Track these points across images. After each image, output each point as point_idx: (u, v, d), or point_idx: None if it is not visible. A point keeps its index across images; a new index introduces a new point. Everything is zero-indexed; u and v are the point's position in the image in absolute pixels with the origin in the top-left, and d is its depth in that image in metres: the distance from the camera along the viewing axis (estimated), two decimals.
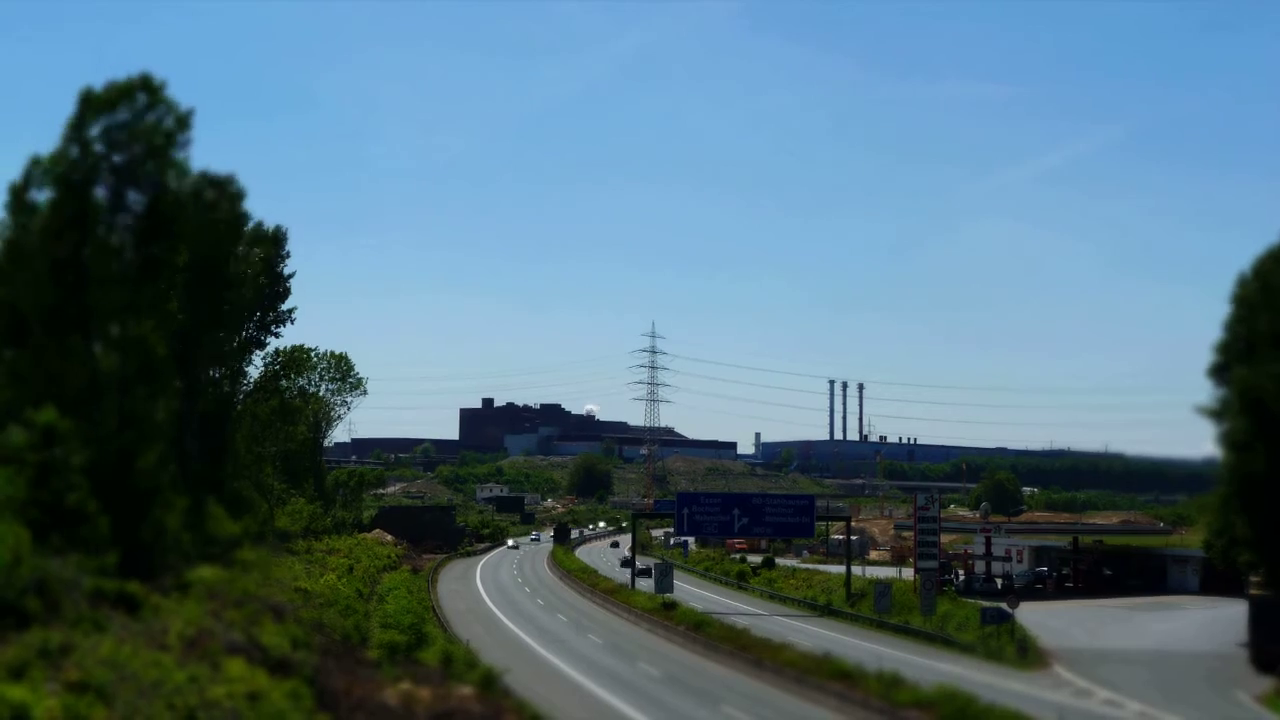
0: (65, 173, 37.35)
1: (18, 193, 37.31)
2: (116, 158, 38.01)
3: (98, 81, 38.78)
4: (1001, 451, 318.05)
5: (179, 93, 39.79)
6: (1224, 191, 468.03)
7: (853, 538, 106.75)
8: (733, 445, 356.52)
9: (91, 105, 37.54)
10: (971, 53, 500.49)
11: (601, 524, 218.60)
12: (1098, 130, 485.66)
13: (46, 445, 32.35)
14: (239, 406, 71.79)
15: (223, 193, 55.91)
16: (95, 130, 37.73)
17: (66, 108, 37.81)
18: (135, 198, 38.52)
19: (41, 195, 37.37)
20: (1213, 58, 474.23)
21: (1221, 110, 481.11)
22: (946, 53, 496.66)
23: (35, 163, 37.31)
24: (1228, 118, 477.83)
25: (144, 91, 38.14)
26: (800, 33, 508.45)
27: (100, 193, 38.02)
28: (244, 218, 60.35)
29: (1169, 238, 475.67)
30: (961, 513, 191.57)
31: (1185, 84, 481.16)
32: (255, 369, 76.61)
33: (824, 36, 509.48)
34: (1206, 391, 55.84)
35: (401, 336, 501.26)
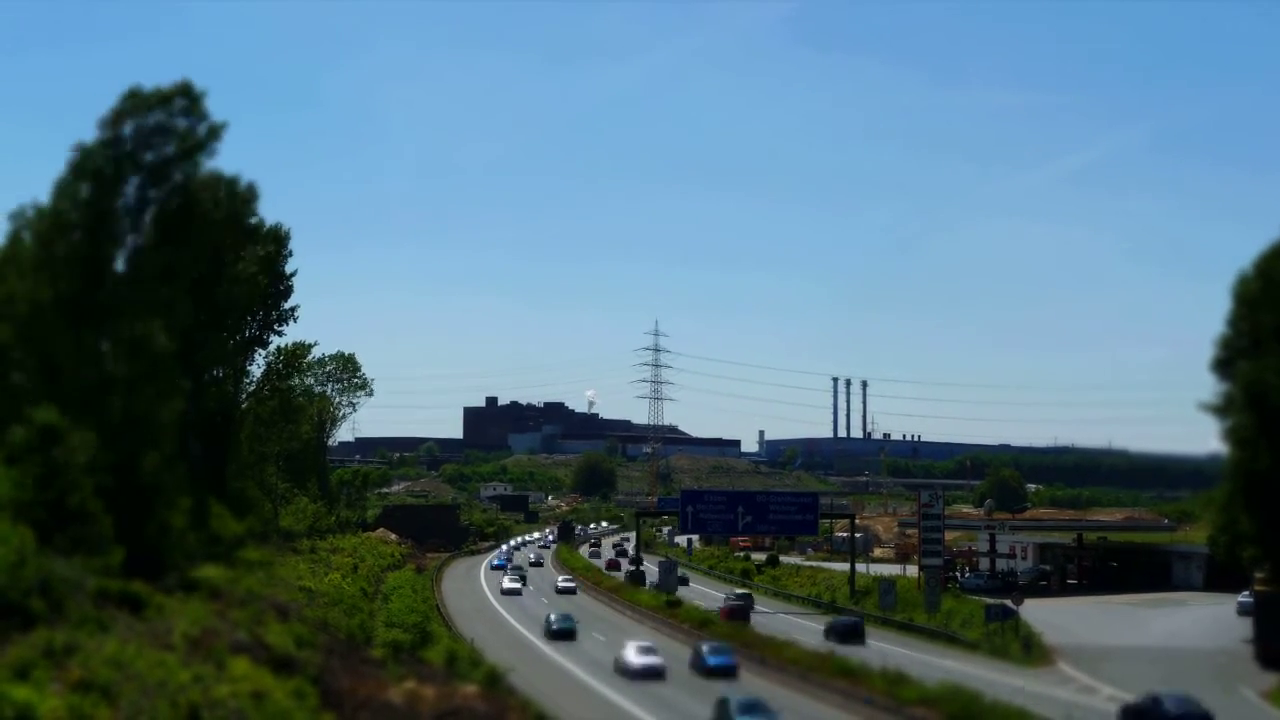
0: (98, 168, 37.72)
1: (66, 184, 37.58)
2: (147, 157, 38.49)
3: (100, 85, 39.39)
4: (1005, 448, 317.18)
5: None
6: (1248, 188, 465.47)
7: (857, 535, 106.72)
8: (736, 443, 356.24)
9: (134, 104, 37.99)
10: (995, 58, 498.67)
11: (602, 523, 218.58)
12: (1121, 131, 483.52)
13: (46, 444, 32.39)
14: (242, 406, 71.82)
15: (235, 194, 56.26)
16: (127, 130, 38.21)
17: (68, 109, 38.22)
18: (156, 199, 38.93)
19: (85, 189, 37.69)
20: (1236, 56, 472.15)
21: (1245, 108, 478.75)
22: (971, 58, 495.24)
23: (79, 150, 37.60)
24: (1251, 116, 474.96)
25: (184, 98, 38.75)
26: (827, 39, 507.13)
27: (127, 191, 38.46)
28: (254, 219, 60.71)
29: (1189, 234, 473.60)
30: (965, 510, 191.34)
31: (1210, 82, 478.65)
32: (258, 368, 76.63)
33: (850, 42, 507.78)
34: (1211, 387, 55.85)
35: (406, 335, 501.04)
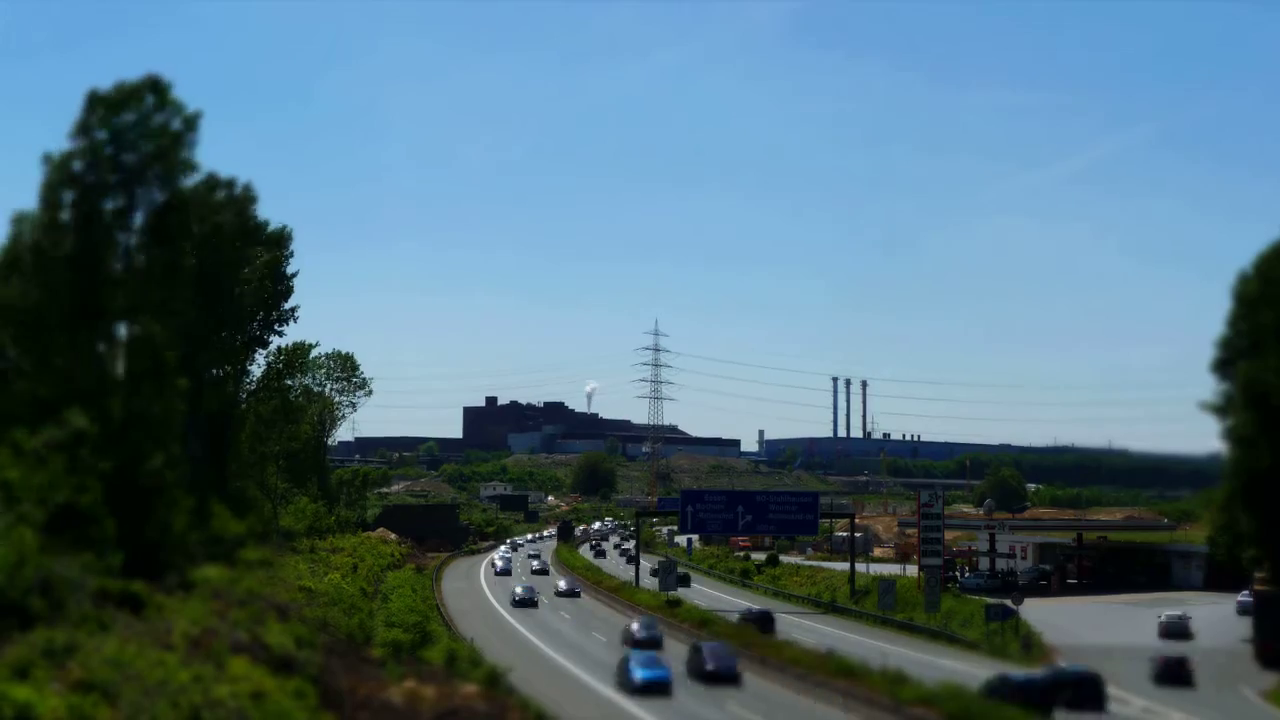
0: (77, 172, 37.66)
1: (49, 191, 37.57)
2: (125, 158, 38.34)
3: (103, 82, 39.14)
4: (1005, 448, 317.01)
5: (188, 88, 40.21)
6: (1249, 188, 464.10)
7: (857, 535, 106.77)
8: (736, 442, 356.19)
9: (97, 106, 37.84)
10: (998, 58, 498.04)
11: (608, 520, 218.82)
12: (1125, 131, 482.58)
13: (75, 446, 32.45)
14: (242, 405, 71.92)
15: (233, 196, 56.68)
16: (102, 132, 38.06)
17: (68, 111, 38.22)
18: (144, 198, 38.86)
19: (69, 196, 37.69)
20: (1239, 57, 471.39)
21: (1247, 109, 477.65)
22: (974, 58, 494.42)
23: (50, 160, 37.59)
24: (1253, 116, 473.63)
25: (152, 93, 38.49)
26: (829, 39, 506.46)
27: (110, 192, 38.39)
28: (255, 221, 61.04)
29: (1190, 234, 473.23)
30: (965, 509, 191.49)
31: (1213, 83, 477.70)
32: (258, 368, 76.82)
33: (853, 42, 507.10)
34: (1211, 387, 55.93)
35: (406, 335, 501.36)
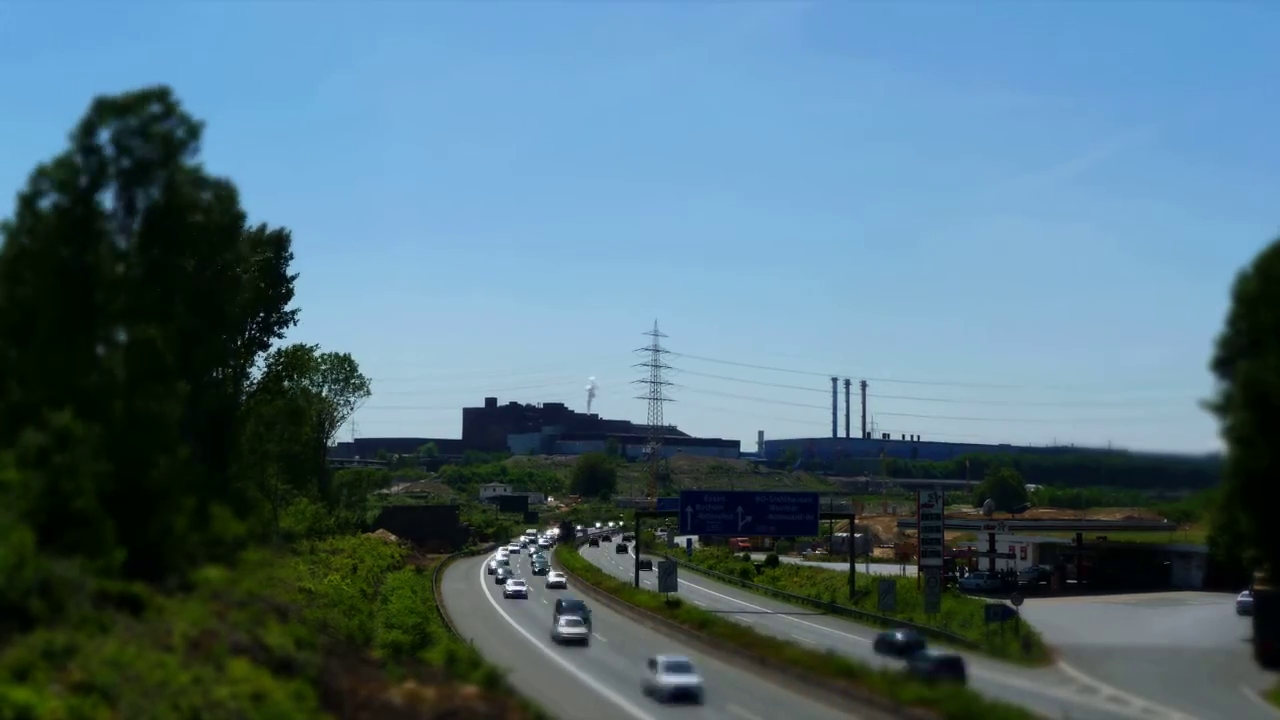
0: (71, 177, 37.69)
1: (26, 200, 37.58)
2: (124, 162, 38.42)
3: (103, 82, 39.30)
4: (1005, 448, 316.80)
5: (189, 89, 40.64)
6: (1250, 189, 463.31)
7: (856, 535, 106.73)
8: (736, 443, 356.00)
9: (104, 111, 37.98)
10: (1002, 60, 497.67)
11: (607, 524, 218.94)
12: (1128, 132, 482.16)
13: (63, 448, 32.42)
14: (242, 407, 71.94)
15: (218, 194, 56.32)
16: (104, 136, 38.19)
17: (68, 110, 38.33)
18: (142, 202, 38.94)
19: (48, 202, 37.70)
20: (1241, 57, 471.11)
21: (1249, 109, 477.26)
22: (978, 59, 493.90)
23: (42, 170, 37.62)
24: (1255, 116, 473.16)
25: (158, 102, 38.71)
26: (834, 41, 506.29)
27: (107, 197, 38.48)
28: (240, 219, 60.64)
29: (1190, 234, 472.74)
30: (965, 510, 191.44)
31: (1215, 84, 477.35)
32: (258, 370, 76.88)
33: (857, 43, 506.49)
34: (1211, 387, 55.92)
35: (406, 335, 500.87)
